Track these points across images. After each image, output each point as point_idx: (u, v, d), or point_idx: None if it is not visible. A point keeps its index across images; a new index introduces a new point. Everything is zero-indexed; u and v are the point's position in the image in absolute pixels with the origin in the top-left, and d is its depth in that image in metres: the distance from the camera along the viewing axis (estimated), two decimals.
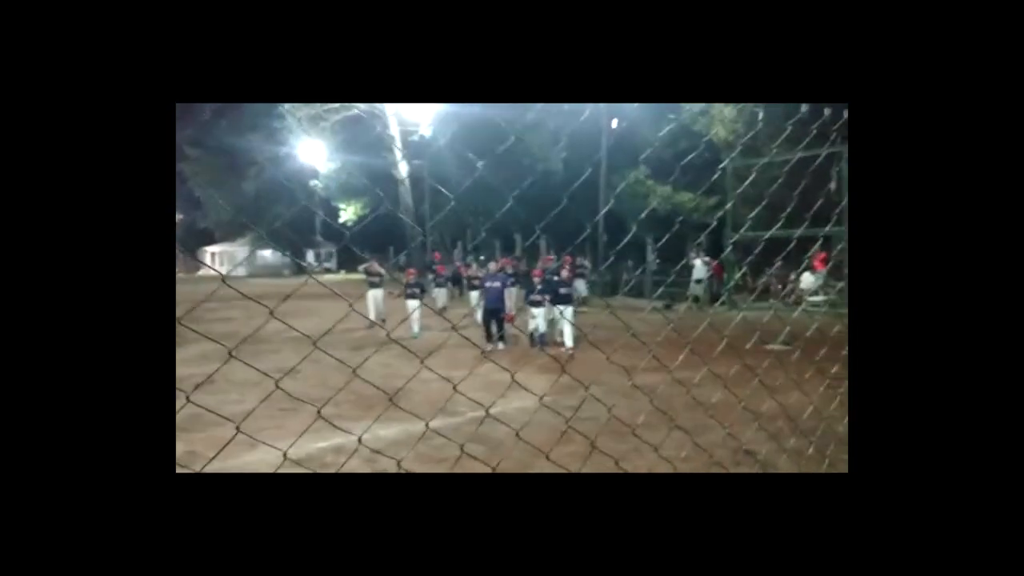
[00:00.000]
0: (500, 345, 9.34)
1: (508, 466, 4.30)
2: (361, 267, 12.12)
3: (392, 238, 28.08)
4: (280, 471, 1.72)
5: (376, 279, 11.82)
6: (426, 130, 22.54)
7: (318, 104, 22.66)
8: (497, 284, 9.55)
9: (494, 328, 9.45)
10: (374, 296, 11.65)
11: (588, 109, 17.77)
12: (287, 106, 22.92)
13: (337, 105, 22.94)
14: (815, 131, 3.22)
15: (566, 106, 16.89)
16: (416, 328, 10.40)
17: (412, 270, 11.87)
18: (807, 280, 14.02)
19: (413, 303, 9.94)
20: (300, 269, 35.24)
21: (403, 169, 23.62)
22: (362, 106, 23.00)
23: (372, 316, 10.96)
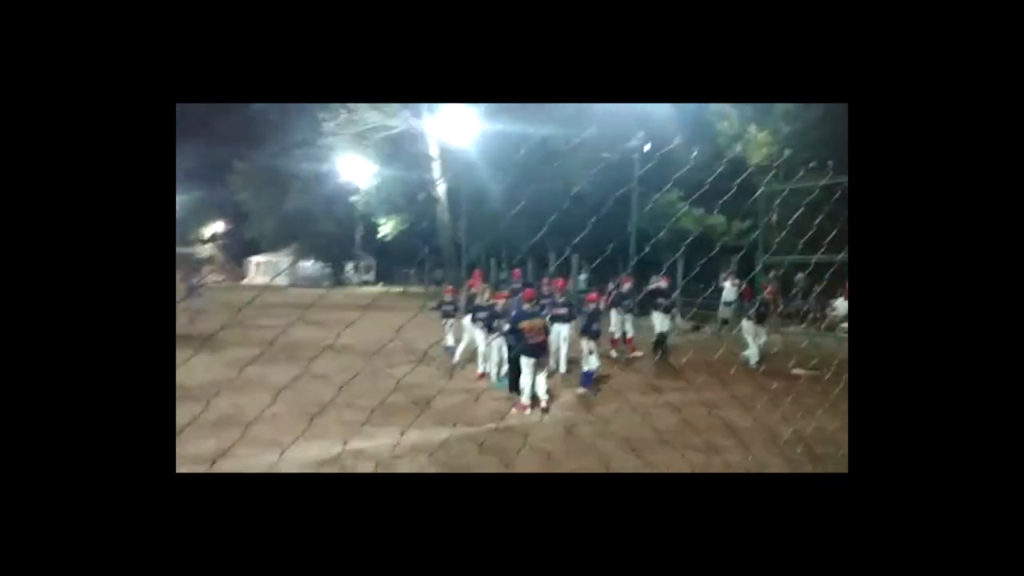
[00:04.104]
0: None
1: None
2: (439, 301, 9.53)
3: (430, 253, 28.63)
4: (299, 471, 1.83)
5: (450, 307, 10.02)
6: (464, 149, 23.05)
7: (361, 123, 23.44)
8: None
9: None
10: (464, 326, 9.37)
11: (623, 135, 17.94)
12: (332, 125, 23.74)
13: (379, 124, 23.68)
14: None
15: (600, 125, 17.10)
16: (451, 343, 9.33)
17: (450, 288, 10.89)
18: (841, 306, 13.83)
19: (448, 321, 9.51)
20: (339, 281, 36.13)
21: (441, 188, 24.16)
22: (402, 125, 23.68)
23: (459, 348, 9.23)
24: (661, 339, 9.62)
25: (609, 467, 4.51)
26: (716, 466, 4.51)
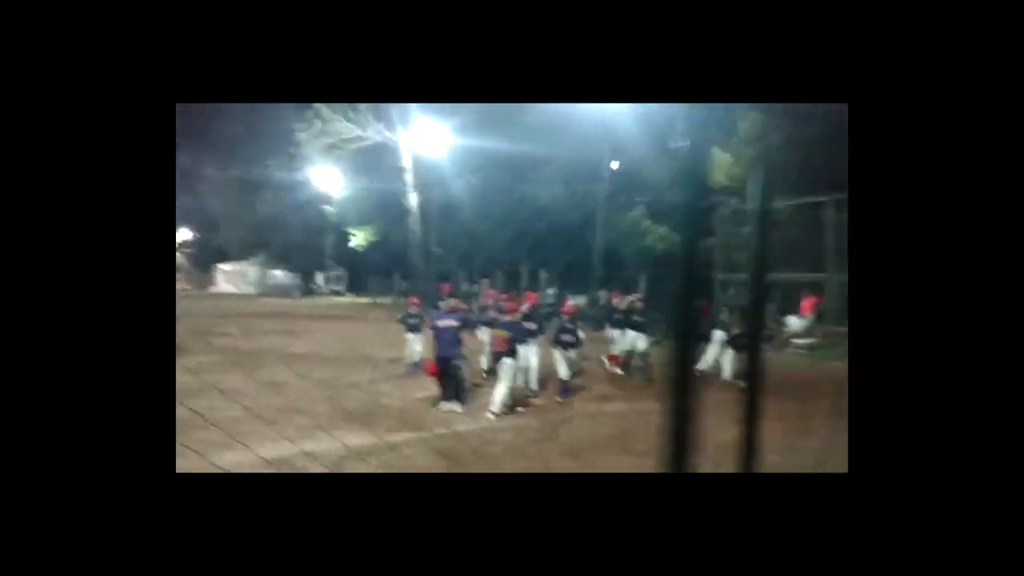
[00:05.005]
0: (456, 406, 6.93)
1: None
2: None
3: (399, 264, 28.73)
4: (257, 471, 1.80)
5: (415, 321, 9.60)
6: (437, 161, 23.28)
7: (335, 134, 23.52)
8: (452, 323, 7.26)
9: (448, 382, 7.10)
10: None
11: (591, 146, 18.29)
12: (304, 135, 23.78)
13: (353, 135, 23.79)
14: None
15: (569, 143, 17.47)
16: (417, 358, 9.11)
17: (416, 299, 10.51)
18: (793, 323, 14.33)
19: (412, 335, 9.29)
20: (309, 290, 35.89)
21: (413, 199, 24.32)
22: (376, 136, 23.83)
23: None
24: (636, 355, 9.61)
25: (548, 467, 4.74)
26: (646, 467, 4.76)
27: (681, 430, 1.47)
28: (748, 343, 1.63)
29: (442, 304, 8.34)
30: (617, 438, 5.87)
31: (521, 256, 21.50)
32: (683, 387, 1.67)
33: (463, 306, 7.89)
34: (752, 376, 1.61)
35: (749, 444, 1.53)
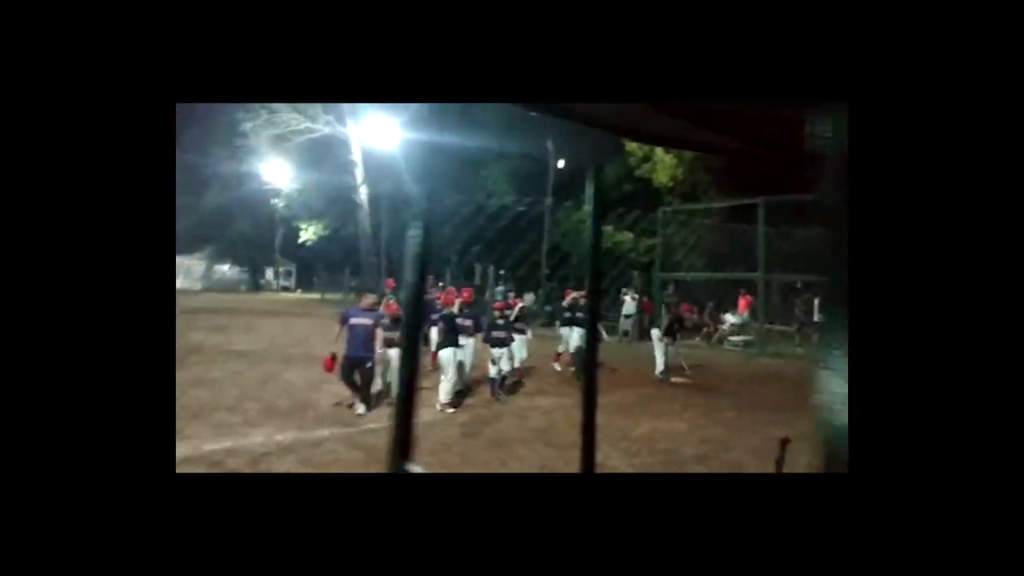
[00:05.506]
0: (362, 408, 6.71)
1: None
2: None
3: (350, 259, 28.45)
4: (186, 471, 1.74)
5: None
6: (389, 155, 23.11)
7: (282, 125, 23.11)
8: (366, 322, 7.00)
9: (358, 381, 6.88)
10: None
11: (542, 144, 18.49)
12: (251, 125, 23.27)
13: (302, 127, 23.42)
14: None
15: (519, 141, 17.63)
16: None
17: (364, 296, 9.82)
18: (730, 320, 14.88)
19: None
20: (257, 286, 35.16)
21: (363, 193, 24.11)
22: (326, 129, 23.52)
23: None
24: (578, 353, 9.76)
25: (467, 460, 4.87)
26: (567, 459, 4.95)
27: (588, 424, 1.57)
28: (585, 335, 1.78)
29: (369, 298, 7.77)
30: (542, 432, 6.04)
31: (474, 253, 21.58)
32: (591, 383, 1.76)
33: (392, 304, 7.68)
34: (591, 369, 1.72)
35: (587, 437, 1.62)
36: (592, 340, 1.74)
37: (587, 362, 1.98)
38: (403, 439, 1.23)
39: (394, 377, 7.77)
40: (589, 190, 1.79)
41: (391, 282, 13.90)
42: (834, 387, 1.12)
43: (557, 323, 11.53)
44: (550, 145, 18.05)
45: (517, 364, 8.67)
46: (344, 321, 6.99)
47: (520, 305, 9.82)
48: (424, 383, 7.49)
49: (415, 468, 1.24)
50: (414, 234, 1.19)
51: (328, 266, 30.57)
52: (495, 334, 7.90)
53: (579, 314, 10.17)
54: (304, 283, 35.64)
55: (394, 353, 7.05)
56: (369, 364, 6.85)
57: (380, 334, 6.92)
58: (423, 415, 6.55)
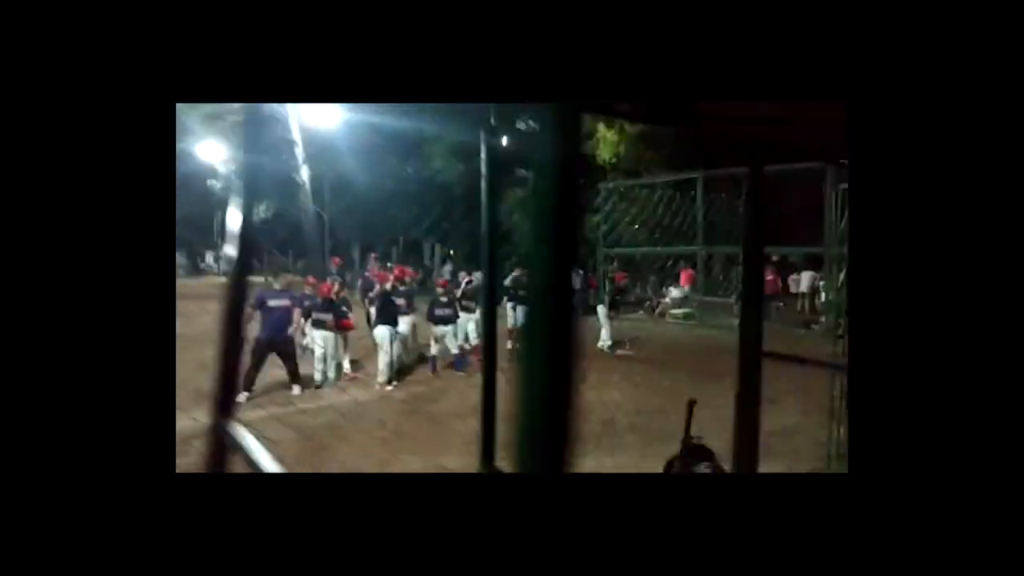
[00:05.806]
0: (296, 388, 6.82)
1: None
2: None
3: (294, 240, 27.77)
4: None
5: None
6: (329, 135, 22.52)
7: (215, 103, 22.17)
8: (284, 303, 6.91)
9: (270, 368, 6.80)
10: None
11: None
12: (182, 104, 22.25)
13: (236, 106, 22.51)
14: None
15: (457, 120, 17.44)
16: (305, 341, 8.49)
17: (312, 279, 9.57)
18: (673, 294, 15.24)
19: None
20: (197, 269, 33.94)
21: (304, 173, 23.45)
22: (263, 108, 22.69)
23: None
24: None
25: (401, 435, 4.87)
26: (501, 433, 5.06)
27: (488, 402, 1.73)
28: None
29: (286, 278, 7.80)
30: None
31: (418, 232, 21.39)
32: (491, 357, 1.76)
33: (325, 285, 7.59)
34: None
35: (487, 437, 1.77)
36: (490, 318, 1.78)
37: (486, 341, 2.03)
38: (488, 440, 1.22)
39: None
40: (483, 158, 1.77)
41: (337, 260, 13.63)
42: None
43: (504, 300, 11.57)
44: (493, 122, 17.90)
45: (471, 342, 8.48)
46: (260, 304, 6.74)
47: (467, 281, 9.71)
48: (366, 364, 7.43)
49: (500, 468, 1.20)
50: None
51: (272, 248, 29.72)
52: (438, 312, 7.90)
53: (521, 292, 10.17)
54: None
55: (320, 334, 7.04)
56: (289, 346, 6.80)
57: (298, 314, 6.85)
58: (361, 394, 6.52)
